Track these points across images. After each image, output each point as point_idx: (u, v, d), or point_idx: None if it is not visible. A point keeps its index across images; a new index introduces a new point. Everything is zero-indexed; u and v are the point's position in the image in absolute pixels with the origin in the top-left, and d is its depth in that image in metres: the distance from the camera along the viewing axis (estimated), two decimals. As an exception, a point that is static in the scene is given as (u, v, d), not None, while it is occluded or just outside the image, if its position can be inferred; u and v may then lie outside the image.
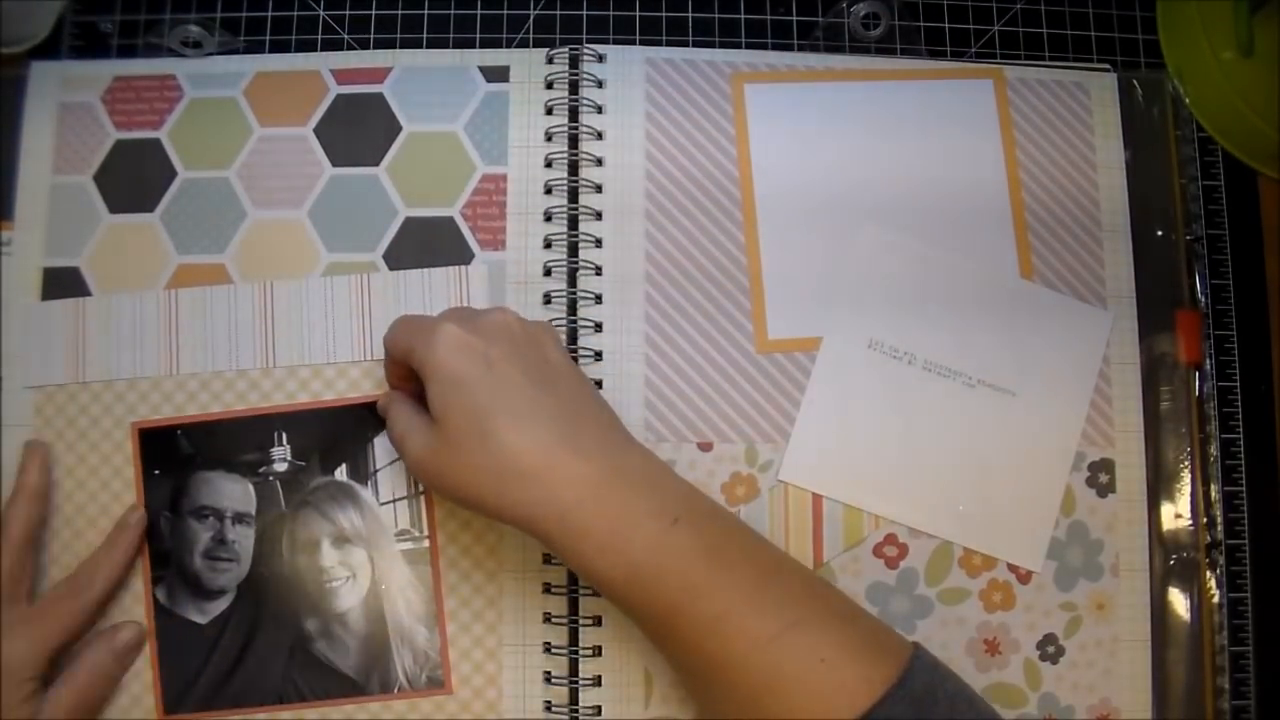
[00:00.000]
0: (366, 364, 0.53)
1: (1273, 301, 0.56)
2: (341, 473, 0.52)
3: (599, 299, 0.54)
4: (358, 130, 0.55)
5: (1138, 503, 0.54)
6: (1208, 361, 0.55)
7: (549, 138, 0.55)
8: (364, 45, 0.57)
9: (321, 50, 0.56)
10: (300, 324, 0.53)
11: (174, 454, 0.52)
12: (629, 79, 0.56)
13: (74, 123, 0.55)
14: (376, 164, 0.54)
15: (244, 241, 0.54)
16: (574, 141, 0.55)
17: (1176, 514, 0.54)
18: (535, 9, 0.57)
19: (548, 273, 0.54)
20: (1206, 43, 0.55)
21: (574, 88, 0.56)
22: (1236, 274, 0.56)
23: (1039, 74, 0.57)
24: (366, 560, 0.52)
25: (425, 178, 0.54)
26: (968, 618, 0.53)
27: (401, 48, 0.56)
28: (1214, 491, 0.55)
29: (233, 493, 0.52)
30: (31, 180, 0.54)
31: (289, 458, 0.52)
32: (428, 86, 0.55)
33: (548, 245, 0.54)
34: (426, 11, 0.57)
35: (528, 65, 0.56)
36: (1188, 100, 0.57)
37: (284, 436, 0.52)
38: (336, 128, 0.55)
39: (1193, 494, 0.54)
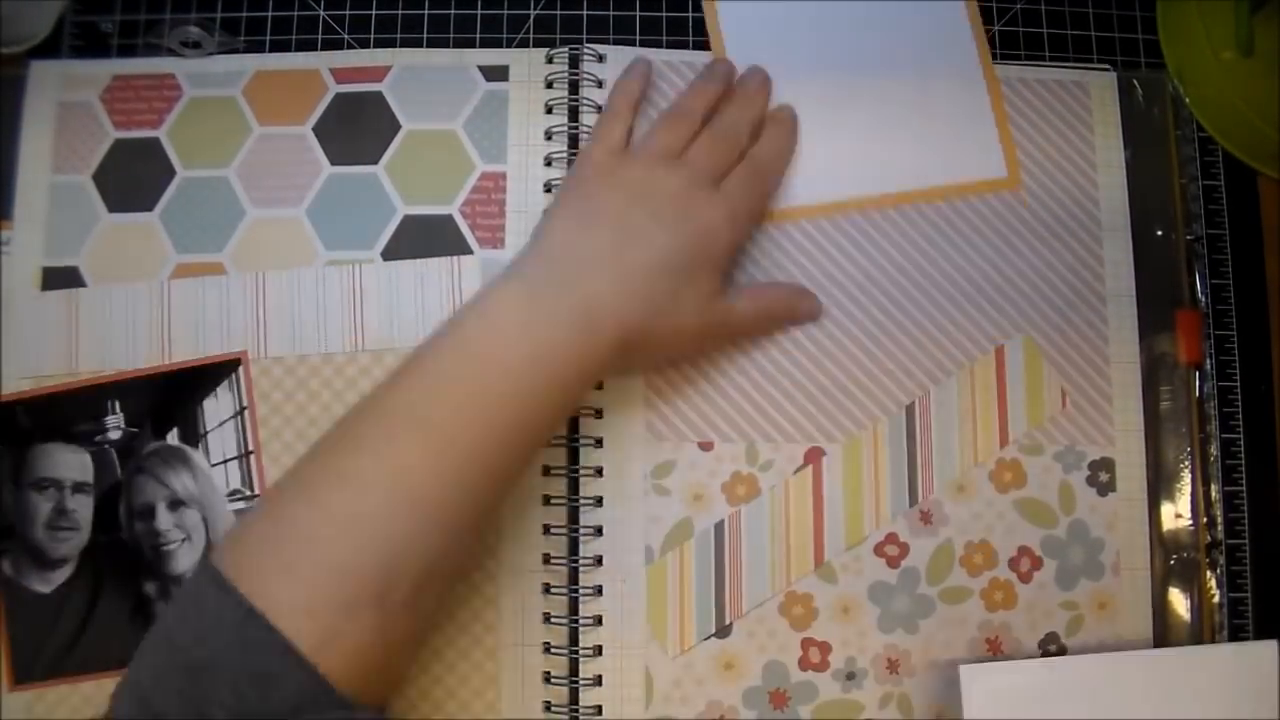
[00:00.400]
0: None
1: (1273, 301, 0.56)
2: (173, 436, 0.52)
3: (598, 299, 0.54)
4: (357, 129, 0.55)
5: (1138, 502, 0.54)
6: (1208, 361, 0.55)
7: (549, 137, 0.55)
8: (364, 45, 0.57)
9: (321, 50, 0.56)
10: (293, 315, 0.53)
11: (12, 428, 0.52)
12: (628, 79, 0.56)
13: (73, 122, 0.55)
14: (375, 162, 0.54)
15: (243, 240, 0.54)
16: (574, 141, 0.55)
17: (1176, 514, 0.54)
18: (535, 9, 0.57)
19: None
20: (1206, 43, 0.56)
21: (574, 87, 0.56)
22: (1236, 274, 0.56)
23: (1039, 73, 0.57)
24: (200, 521, 0.52)
25: (424, 176, 0.54)
26: (969, 617, 0.53)
27: (402, 47, 0.56)
28: (1214, 491, 0.55)
29: (70, 463, 0.52)
30: (31, 179, 0.54)
31: (122, 425, 0.52)
32: (427, 85, 0.55)
33: (547, 244, 0.54)
34: (426, 11, 0.57)
35: (527, 65, 0.56)
36: (1188, 100, 0.57)
37: (117, 405, 0.52)
38: (335, 126, 0.55)
39: (1193, 494, 0.54)
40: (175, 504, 0.52)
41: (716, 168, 0.50)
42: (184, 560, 0.52)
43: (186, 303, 0.53)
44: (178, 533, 0.52)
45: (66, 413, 0.52)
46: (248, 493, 0.52)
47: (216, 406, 0.52)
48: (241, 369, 0.52)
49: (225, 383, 0.52)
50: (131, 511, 0.52)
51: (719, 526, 0.52)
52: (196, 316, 0.53)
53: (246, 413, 0.52)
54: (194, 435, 0.52)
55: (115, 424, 0.52)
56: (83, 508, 0.52)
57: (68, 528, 0.52)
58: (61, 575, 0.51)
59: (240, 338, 0.53)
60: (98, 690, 0.51)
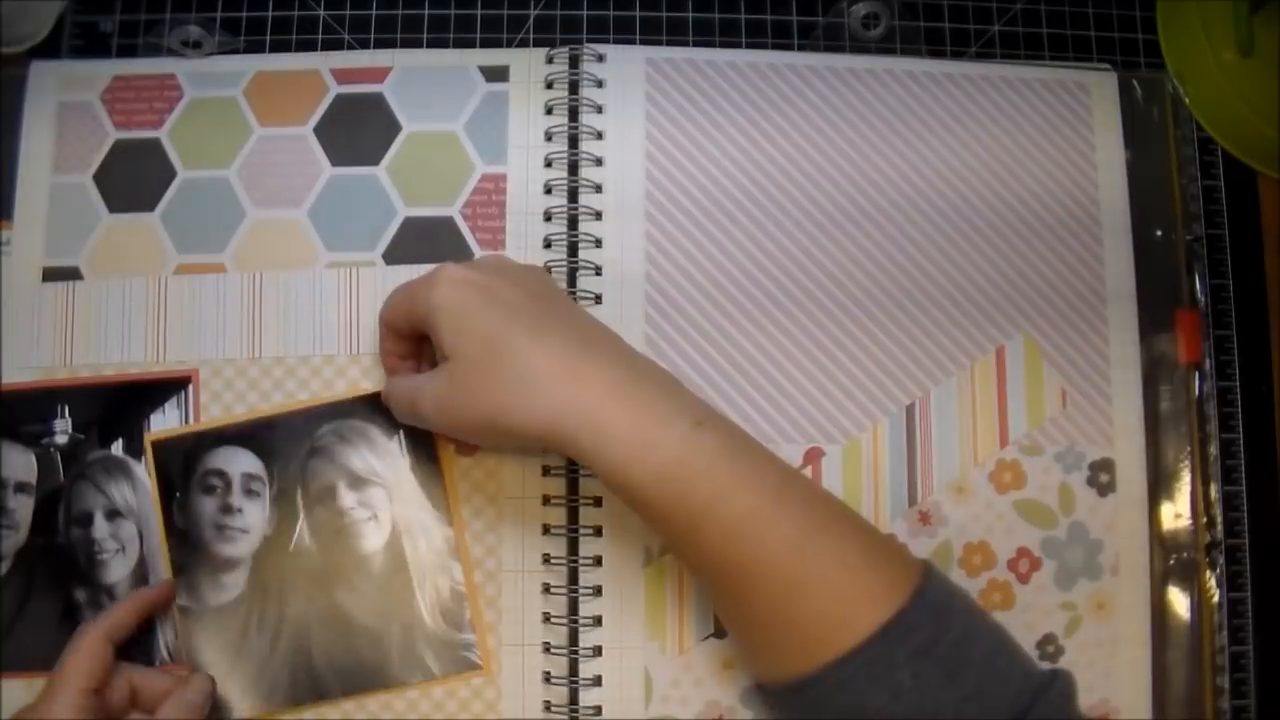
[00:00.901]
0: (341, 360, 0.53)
1: (1273, 301, 0.57)
2: (117, 447, 0.52)
3: (599, 299, 0.54)
4: (357, 130, 0.55)
5: (1138, 502, 0.54)
6: (1208, 361, 0.55)
7: (549, 137, 0.55)
8: (364, 45, 0.57)
9: (322, 50, 0.56)
10: (291, 317, 0.53)
11: None
12: (629, 79, 0.56)
13: (74, 122, 0.55)
14: (376, 163, 0.54)
15: (243, 241, 0.54)
16: (574, 141, 0.55)
17: (1176, 514, 0.54)
18: (535, 9, 0.57)
19: (547, 272, 0.54)
20: (1206, 43, 0.56)
21: (574, 88, 0.56)
22: (1236, 274, 0.56)
23: (1039, 73, 0.57)
24: (136, 535, 0.52)
25: (425, 177, 0.54)
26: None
27: (402, 47, 0.56)
28: (1214, 491, 0.55)
29: (15, 462, 0.52)
30: (31, 180, 0.54)
31: (70, 430, 0.52)
32: (427, 86, 0.55)
33: (547, 245, 0.54)
34: (426, 11, 0.57)
35: (527, 65, 0.56)
36: (1188, 100, 0.57)
37: (67, 409, 0.52)
38: (336, 127, 0.55)
39: (1193, 494, 0.54)
40: (113, 514, 0.52)
41: None
42: (116, 570, 0.51)
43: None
44: (113, 543, 0.51)
45: (17, 412, 0.52)
46: None
47: (163, 421, 0.52)
48: (191, 386, 0.52)
49: (174, 399, 0.52)
50: (70, 517, 0.52)
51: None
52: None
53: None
54: (138, 448, 0.52)
55: (63, 428, 0.52)
56: (23, 508, 0.52)
57: (6, 526, 0.52)
58: None
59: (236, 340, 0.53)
60: (26, 690, 0.50)
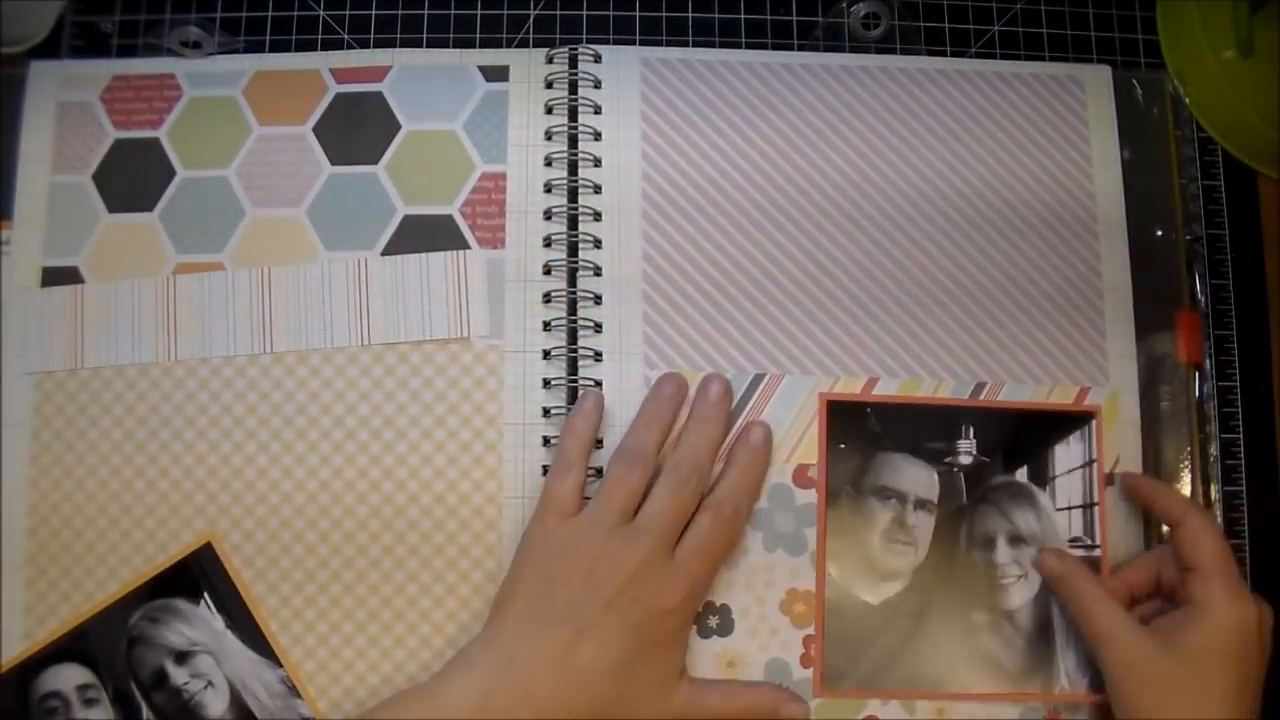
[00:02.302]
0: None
1: (1273, 301, 0.57)
2: (1022, 474, 0.53)
3: (598, 299, 0.54)
4: (357, 129, 0.55)
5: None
6: (1208, 361, 0.55)
7: (549, 137, 0.55)
8: (364, 45, 0.56)
9: (321, 50, 0.56)
10: (299, 309, 0.53)
11: (863, 431, 0.53)
12: (625, 79, 0.56)
13: (73, 122, 0.55)
14: (375, 162, 0.54)
15: (243, 240, 0.54)
16: (573, 141, 0.55)
17: (1177, 514, 0.54)
18: (535, 9, 0.57)
19: (547, 271, 0.54)
20: (1206, 43, 0.56)
21: (573, 87, 0.56)
22: (1236, 274, 0.56)
23: (1033, 68, 0.57)
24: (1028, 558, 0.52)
25: (424, 176, 0.54)
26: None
27: (401, 47, 0.56)
28: (1214, 491, 0.55)
29: (917, 478, 0.52)
30: (30, 180, 0.54)
31: (974, 451, 0.52)
32: (427, 85, 0.55)
33: (547, 244, 0.54)
34: (426, 11, 0.57)
35: (527, 65, 0.56)
36: (1188, 100, 0.57)
37: (971, 430, 0.53)
38: (336, 126, 0.55)
39: (1193, 494, 0.54)
40: (1015, 539, 0.52)
41: (677, 522, 0.48)
42: (1018, 597, 0.52)
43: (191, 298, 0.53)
44: (1015, 569, 0.52)
45: (918, 427, 0.53)
46: (1088, 541, 0.52)
47: (1067, 451, 0.53)
48: (1095, 421, 0.53)
49: (1078, 432, 0.53)
50: (972, 539, 0.52)
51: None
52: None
53: (1094, 466, 0.53)
54: (1043, 477, 0.53)
55: (967, 449, 0.52)
56: (923, 524, 0.52)
57: (905, 541, 0.52)
58: (890, 589, 0.52)
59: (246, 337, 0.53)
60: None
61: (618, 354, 0.53)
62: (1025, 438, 0.53)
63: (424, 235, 0.54)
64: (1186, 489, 0.54)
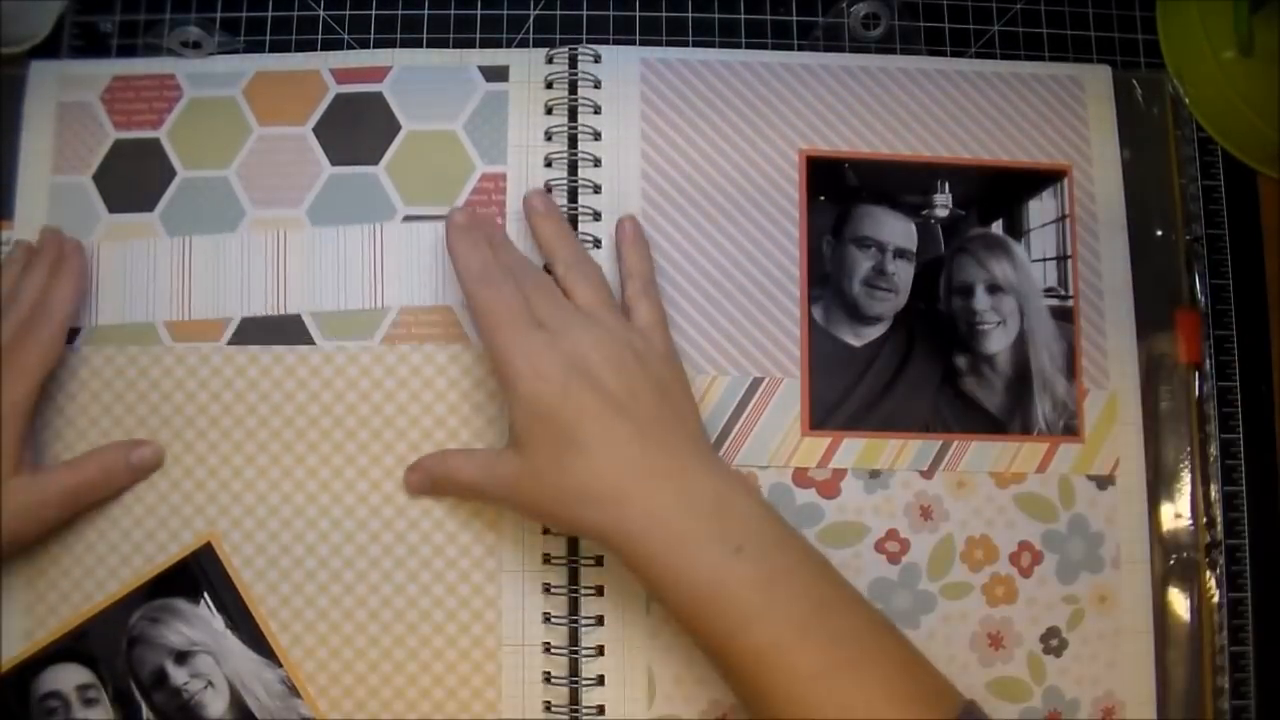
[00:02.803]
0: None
1: (1273, 301, 0.57)
2: (998, 227, 0.55)
3: (598, 299, 0.54)
4: (357, 129, 0.55)
5: (1137, 495, 0.54)
6: (1208, 361, 0.55)
7: (549, 137, 0.55)
8: (364, 45, 0.57)
9: (321, 50, 0.56)
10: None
11: (842, 185, 0.55)
12: (624, 79, 0.56)
13: (73, 122, 0.55)
14: (375, 163, 0.54)
15: (243, 241, 0.54)
16: (573, 141, 0.55)
17: (1176, 514, 0.54)
18: (535, 9, 0.57)
19: (547, 271, 0.54)
20: (1206, 43, 0.56)
21: (573, 88, 0.56)
22: (1236, 274, 0.56)
23: (1033, 68, 0.57)
24: (1016, 309, 0.54)
25: (424, 177, 0.54)
26: (970, 612, 0.53)
27: (401, 48, 0.56)
28: (1214, 491, 0.55)
29: (895, 228, 0.54)
30: (31, 180, 0.54)
31: (950, 205, 0.54)
32: (427, 86, 0.55)
33: (547, 244, 0.54)
34: (426, 11, 0.57)
35: (527, 65, 0.56)
36: (1188, 100, 0.57)
37: (947, 185, 0.55)
38: (336, 127, 0.55)
39: (1193, 494, 0.54)
40: (993, 288, 0.54)
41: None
42: (997, 342, 0.54)
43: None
44: (993, 315, 0.54)
45: (895, 181, 0.55)
46: (1062, 292, 0.55)
47: (1040, 206, 0.55)
48: (1066, 179, 0.56)
49: (1051, 188, 0.56)
50: (950, 286, 0.54)
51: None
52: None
53: (1067, 221, 0.55)
54: (1018, 229, 0.55)
55: (943, 202, 0.54)
56: (903, 272, 0.54)
57: (885, 288, 0.53)
58: (874, 332, 0.54)
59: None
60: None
61: (618, 354, 0.53)
62: (999, 193, 0.55)
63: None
64: (1186, 489, 0.54)
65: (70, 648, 0.51)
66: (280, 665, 0.51)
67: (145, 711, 0.51)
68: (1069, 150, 0.56)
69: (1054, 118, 0.56)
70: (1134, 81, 0.57)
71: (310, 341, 0.53)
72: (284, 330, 0.53)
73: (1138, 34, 0.58)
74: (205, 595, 0.51)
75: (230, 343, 0.53)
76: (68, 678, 0.51)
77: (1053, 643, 0.53)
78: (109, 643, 0.51)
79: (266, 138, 0.55)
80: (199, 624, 0.51)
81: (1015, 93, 0.57)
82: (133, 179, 0.54)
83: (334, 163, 0.54)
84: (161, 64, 0.56)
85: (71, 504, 0.50)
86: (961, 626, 0.53)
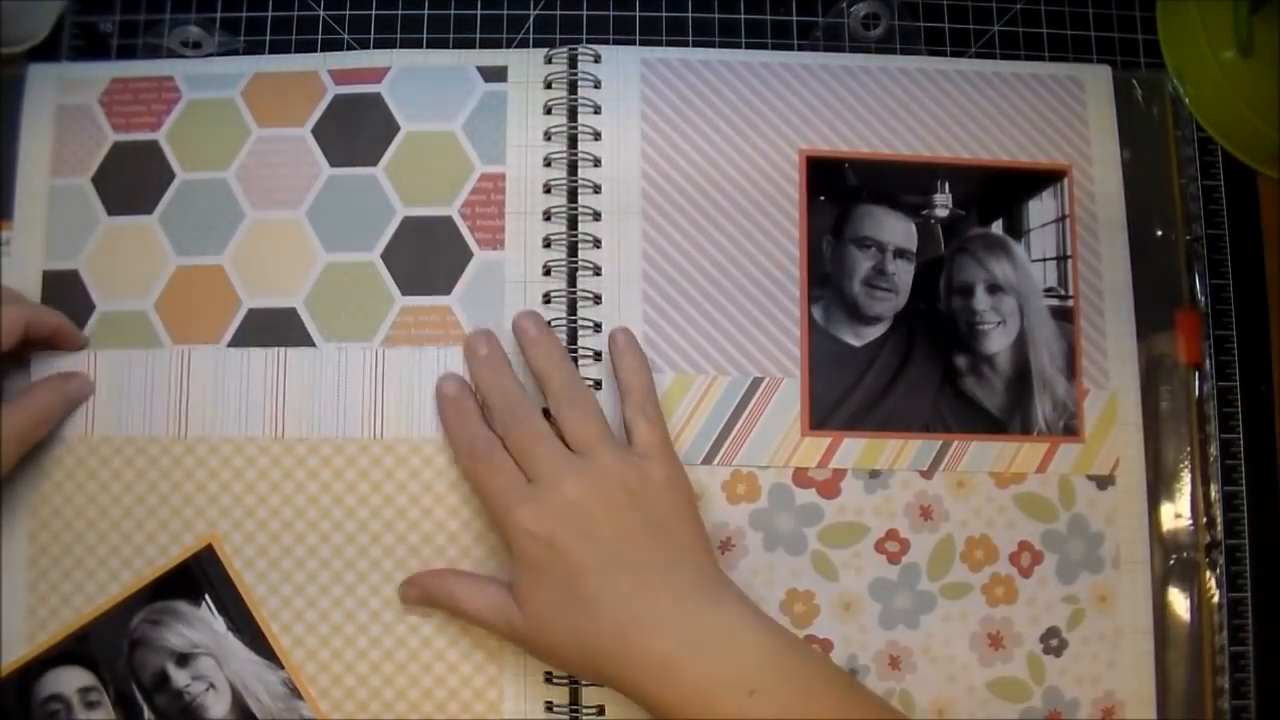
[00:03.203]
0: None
1: (1273, 301, 0.56)
2: (998, 227, 0.55)
3: (598, 299, 0.54)
4: (356, 130, 0.55)
5: (1137, 495, 0.54)
6: (1207, 361, 0.55)
7: (548, 137, 0.55)
8: (364, 45, 0.56)
9: (321, 50, 0.56)
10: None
11: (841, 185, 0.55)
12: (624, 79, 0.56)
13: (72, 125, 0.55)
14: (374, 164, 0.54)
15: (242, 242, 0.54)
16: (573, 141, 0.55)
17: (1176, 514, 0.54)
18: (535, 9, 0.57)
19: (547, 272, 0.54)
20: (1206, 43, 0.55)
21: (572, 88, 0.55)
22: (1236, 274, 0.56)
23: (1033, 68, 0.57)
24: (1016, 309, 0.54)
25: (423, 177, 0.54)
26: (970, 612, 0.53)
27: (401, 48, 0.56)
28: (1214, 491, 0.55)
29: (895, 228, 0.54)
30: (30, 183, 0.54)
31: (950, 205, 0.54)
32: (426, 86, 0.55)
33: (547, 244, 0.54)
34: (426, 12, 0.57)
35: (526, 65, 0.56)
36: (1188, 100, 0.57)
37: (947, 185, 0.55)
38: (334, 128, 0.55)
39: (1193, 494, 0.54)
40: (993, 288, 0.55)
41: (605, 427, 0.49)
42: (997, 342, 0.54)
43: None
44: (993, 315, 0.54)
45: (894, 181, 0.55)
46: (1062, 292, 0.55)
47: (1041, 206, 0.56)
48: (1066, 179, 0.56)
49: (1051, 189, 0.56)
50: (951, 286, 0.54)
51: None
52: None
53: (1068, 221, 0.55)
54: (1018, 229, 0.55)
55: (943, 202, 0.54)
56: (903, 272, 0.54)
57: (886, 288, 0.54)
58: (874, 332, 0.54)
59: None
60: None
61: (618, 355, 0.53)
62: (999, 193, 0.55)
63: (423, 237, 0.54)
64: (1186, 489, 0.54)
65: (72, 650, 0.51)
66: (282, 667, 0.51)
67: (147, 714, 0.51)
68: (1069, 150, 0.56)
69: (1054, 118, 0.56)
70: (1134, 81, 0.57)
71: (311, 344, 0.53)
72: (283, 329, 0.53)
73: (1138, 34, 0.58)
74: (206, 597, 0.51)
75: (230, 344, 0.53)
76: (69, 680, 0.51)
77: (1053, 643, 0.53)
78: (110, 645, 0.51)
79: (265, 139, 0.55)
80: (200, 626, 0.51)
81: (1015, 93, 0.57)
82: (132, 181, 0.54)
83: (333, 164, 0.54)
84: (160, 66, 0.56)
85: (17, 450, 0.50)
86: (961, 626, 0.53)
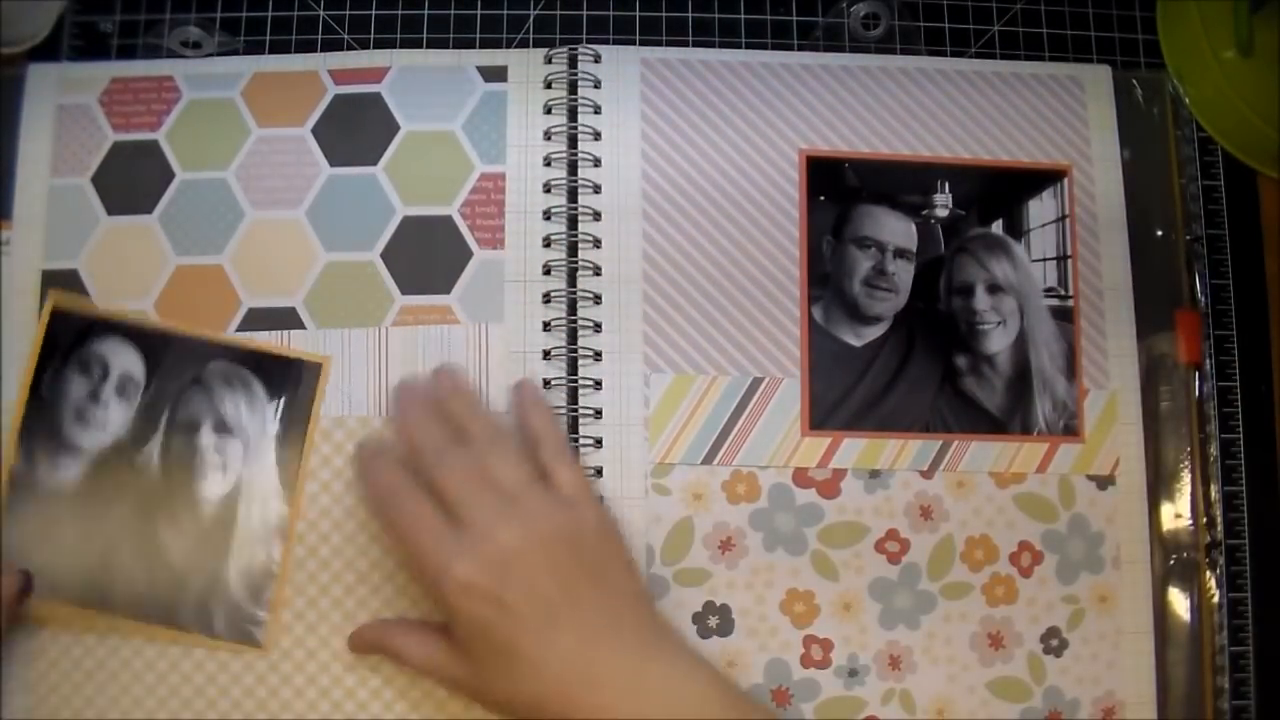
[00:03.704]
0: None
1: (1273, 301, 0.57)
2: (998, 227, 0.55)
3: (598, 299, 0.54)
4: (356, 130, 0.55)
5: (1137, 495, 0.54)
6: (1208, 361, 0.55)
7: (548, 137, 0.55)
8: (364, 45, 0.56)
9: (321, 50, 0.56)
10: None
11: (841, 185, 0.55)
12: (624, 79, 0.56)
13: (72, 125, 0.55)
14: (374, 163, 0.54)
15: (242, 242, 0.54)
16: (573, 141, 0.55)
17: (1176, 514, 0.54)
18: (535, 9, 0.57)
19: (547, 271, 0.54)
20: (1206, 43, 0.56)
21: (572, 88, 0.56)
22: (1236, 274, 0.56)
23: (1033, 68, 0.57)
24: (1016, 309, 0.54)
25: (423, 177, 0.54)
26: (970, 612, 0.53)
27: (401, 48, 0.56)
28: (1214, 491, 0.55)
29: (895, 229, 0.54)
30: (30, 183, 0.54)
31: (950, 205, 0.55)
32: (425, 86, 0.55)
33: (547, 244, 0.54)
34: (426, 11, 0.57)
35: (526, 65, 0.56)
36: (1188, 100, 0.57)
37: (947, 185, 0.55)
38: (334, 128, 0.55)
39: (1193, 494, 0.54)
40: (993, 288, 0.54)
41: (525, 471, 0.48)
42: (997, 342, 0.54)
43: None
44: (994, 315, 0.54)
45: (894, 181, 0.55)
46: (1062, 292, 0.55)
47: (1041, 206, 0.56)
48: (1066, 179, 0.56)
49: (1051, 188, 0.56)
50: (950, 287, 0.54)
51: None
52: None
53: (1068, 220, 0.56)
54: (1018, 230, 0.56)
55: (943, 202, 0.55)
56: (903, 272, 0.54)
57: (886, 289, 0.54)
58: (874, 332, 0.54)
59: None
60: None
61: (618, 354, 0.53)
62: (999, 193, 0.56)
63: (423, 236, 0.54)
64: (1186, 489, 0.54)
65: (146, 339, 0.51)
66: (288, 504, 0.51)
67: (158, 441, 0.51)
68: (1069, 150, 0.56)
69: (1054, 118, 0.56)
70: (1134, 81, 0.57)
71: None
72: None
73: (1138, 34, 0.58)
74: (283, 399, 0.52)
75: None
76: (121, 359, 0.51)
77: (1053, 643, 0.53)
78: (180, 365, 0.52)
79: (265, 139, 0.55)
80: (257, 415, 0.51)
81: (1015, 93, 0.57)
82: (132, 181, 0.54)
83: (333, 163, 0.54)
84: (160, 66, 0.56)
85: None
86: (961, 626, 0.53)
